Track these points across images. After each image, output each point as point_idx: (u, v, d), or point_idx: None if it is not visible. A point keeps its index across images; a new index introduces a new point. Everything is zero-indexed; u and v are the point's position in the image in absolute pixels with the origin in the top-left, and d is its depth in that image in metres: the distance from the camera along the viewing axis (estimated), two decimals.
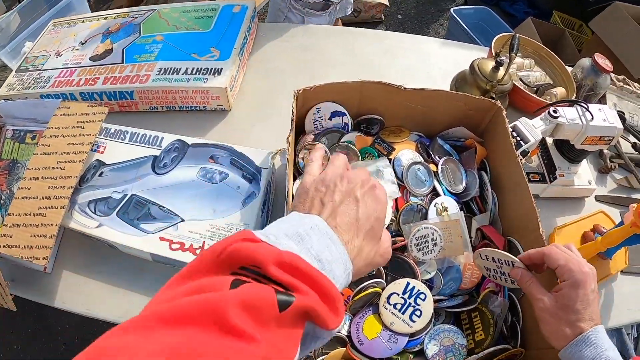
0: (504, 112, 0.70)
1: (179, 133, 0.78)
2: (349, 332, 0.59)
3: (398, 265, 0.63)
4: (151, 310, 0.28)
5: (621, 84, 1.10)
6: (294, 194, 0.47)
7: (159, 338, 0.26)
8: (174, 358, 0.25)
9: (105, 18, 1.06)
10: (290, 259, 0.33)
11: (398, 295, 0.60)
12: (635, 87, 1.12)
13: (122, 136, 0.78)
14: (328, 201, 0.41)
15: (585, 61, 1.00)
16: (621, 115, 0.87)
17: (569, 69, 1.03)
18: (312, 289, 0.32)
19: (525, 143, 0.72)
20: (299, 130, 0.73)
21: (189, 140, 0.76)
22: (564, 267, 0.50)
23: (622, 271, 0.81)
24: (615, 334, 1.35)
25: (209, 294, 0.29)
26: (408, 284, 0.60)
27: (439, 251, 0.62)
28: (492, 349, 0.58)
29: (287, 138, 0.62)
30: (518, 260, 0.55)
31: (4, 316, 1.46)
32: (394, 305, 0.59)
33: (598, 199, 0.89)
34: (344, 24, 1.17)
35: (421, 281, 0.62)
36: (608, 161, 0.93)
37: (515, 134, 0.72)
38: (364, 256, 0.41)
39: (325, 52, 1.01)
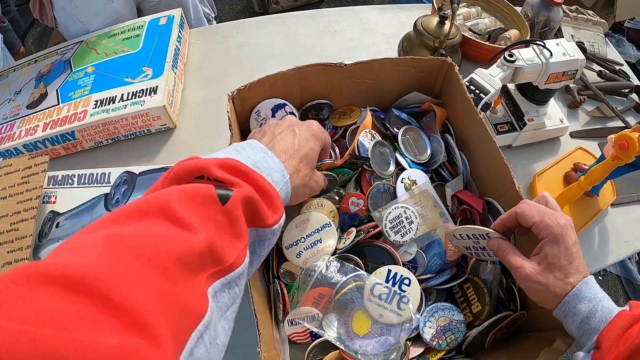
0: (457, 68, 0.66)
1: (130, 163, 0.75)
2: (339, 333, 0.55)
3: (376, 254, 0.58)
4: (106, 215, 0.32)
5: (575, 14, 1.07)
6: None
7: (109, 229, 0.30)
8: (118, 241, 0.28)
9: (35, 61, 1.00)
10: (229, 162, 0.38)
11: (381, 285, 0.55)
12: (589, 15, 1.08)
13: (70, 181, 0.75)
14: (268, 131, 0.48)
15: None
16: (581, 46, 0.84)
17: (519, 9, 0.99)
18: (250, 185, 0.37)
19: (486, 95, 0.68)
20: (245, 130, 0.68)
21: (137, 169, 0.74)
22: (539, 224, 0.47)
23: (611, 205, 0.78)
24: (619, 262, 1.34)
25: (154, 192, 0.34)
26: (389, 271, 0.56)
27: (417, 228, 0.58)
28: (492, 318, 0.55)
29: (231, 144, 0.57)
30: (491, 230, 0.51)
31: None
32: (379, 297, 0.55)
33: (573, 135, 0.86)
34: (285, 11, 1.11)
35: (403, 264, 0.58)
36: (576, 95, 0.90)
37: (473, 88, 0.68)
38: (301, 175, 0.47)
39: (262, 45, 0.96)
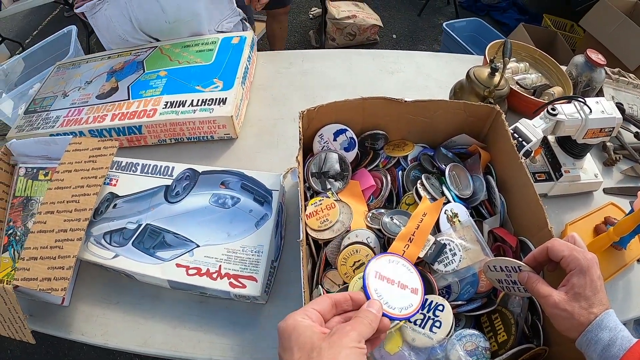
0: (503, 116, 0.72)
1: (188, 163, 0.79)
2: (371, 351, 0.59)
3: None
4: None
5: (617, 76, 1.12)
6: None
7: None
8: None
9: (109, 58, 1.10)
10: None
11: (418, 312, 0.60)
12: (631, 78, 1.13)
13: (133, 168, 0.81)
14: None
15: (579, 58, 1.02)
16: (620, 107, 0.88)
17: (564, 68, 1.05)
18: None
19: (528, 143, 0.73)
20: (307, 151, 0.75)
21: (200, 168, 0.78)
22: (568, 257, 0.51)
23: (638, 260, 0.80)
24: (635, 324, 1.32)
25: None
26: (426, 300, 0.60)
27: (460, 261, 0.62)
28: (515, 349, 0.59)
29: (297, 157, 0.63)
30: (523, 264, 0.55)
31: (24, 352, 1.47)
32: (414, 322, 0.59)
33: (606, 191, 0.90)
34: (341, 48, 1.21)
35: (438, 289, 0.62)
36: (612, 153, 0.94)
37: (516, 136, 0.74)
38: None
39: (324, 75, 1.04)
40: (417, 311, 0.54)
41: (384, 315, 0.49)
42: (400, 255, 0.56)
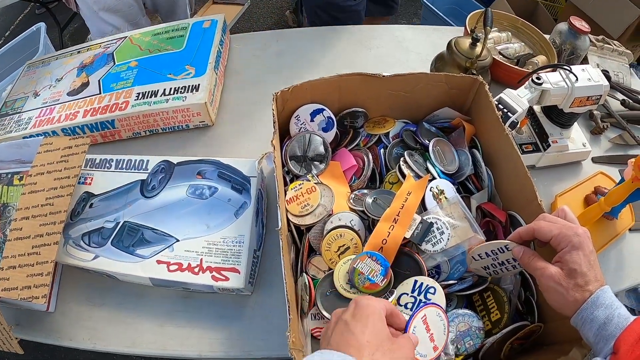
0: (487, 87, 0.69)
1: (165, 155, 0.78)
2: None
3: (402, 261, 0.61)
4: None
5: (601, 43, 1.10)
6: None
7: None
8: None
9: (78, 52, 1.06)
10: None
11: (407, 295, 0.58)
12: (615, 45, 1.11)
13: (107, 165, 0.78)
14: (359, 347, 0.43)
15: (562, 26, 0.99)
16: (606, 74, 0.86)
17: (547, 36, 1.02)
18: None
19: (513, 114, 0.71)
20: (284, 134, 0.72)
21: (175, 159, 0.76)
22: (558, 236, 0.49)
23: (630, 229, 0.79)
24: (632, 292, 1.33)
25: None
26: (415, 281, 0.58)
27: (448, 239, 0.60)
28: (510, 327, 0.57)
29: (272, 141, 0.60)
30: (510, 242, 0.53)
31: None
32: (405, 306, 0.58)
33: (595, 160, 0.88)
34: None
35: (427, 270, 0.60)
36: (599, 121, 0.92)
37: (501, 107, 0.71)
38: (383, 350, 0.44)
39: (300, 54, 1.00)
40: None
41: None
42: (446, 314, 0.56)
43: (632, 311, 1.59)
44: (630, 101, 0.99)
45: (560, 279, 0.47)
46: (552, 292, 0.48)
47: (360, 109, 0.70)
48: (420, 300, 0.57)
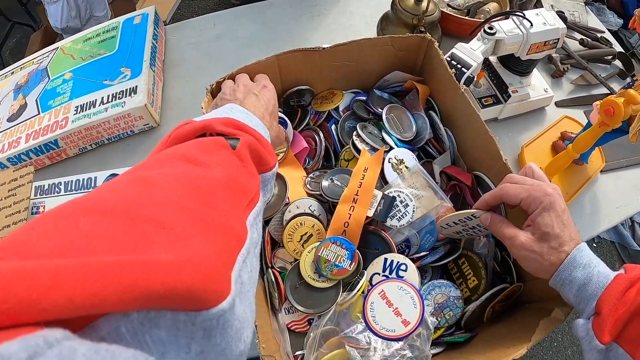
0: (436, 44, 0.65)
1: (116, 165, 0.74)
2: (337, 324, 0.55)
3: (369, 240, 0.58)
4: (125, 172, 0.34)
5: None
6: None
7: (137, 174, 0.32)
8: (149, 178, 0.31)
9: (12, 73, 0.98)
10: (228, 120, 0.41)
11: (379, 274, 0.55)
12: None
13: (56, 189, 0.74)
14: (234, 98, 0.53)
15: None
16: (561, 15, 0.83)
17: None
18: (250, 135, 0.41)
19: (468, 69, 0.67)
20: None
21: (121, 171, 0.71)
22: (527, 199, 0.46)
23: (601, 171, 0.78)
24: (612, 229, 1.34)
25: (168, 149, 0.37)
26: (385, 260, 0.56)
27: (413, 211, 0.57)
28: (489, 292, 0.55)
29: None
30: (477, 210, 0.51)
31: None
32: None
33: (558, 104, 0.86)
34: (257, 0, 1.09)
35: (396, 245, 0.57)
36: (559, 64, 0.89)
37: (454, 63, 0.68)
38: (275, 128, 0.54)
39: (240, 36, 0.94)
40: (394, 339, 0.51)
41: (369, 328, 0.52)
42: (416, 289, 0.53)
43: (613, 244, 1.63)
44: (589, 40, 0.96)
45: (532, 246, 0.45)
46: (526, 259, 0.46)
47: (304, 87, 0.65)
48: (393, 278, 0.55)
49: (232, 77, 0.60)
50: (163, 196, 0.29)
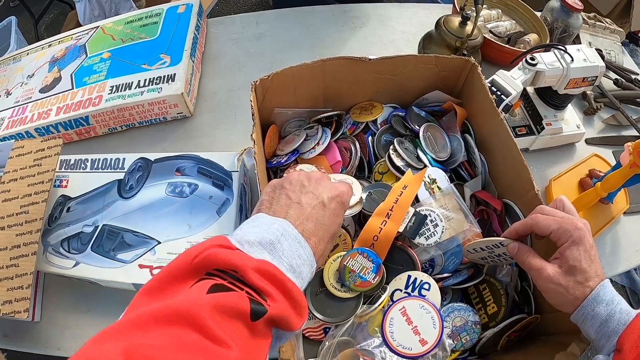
0: (479, 68, 0.66)
1: (143, 150, 0.73)
2: (353, 335, 0.55)
3: (395, 255, 0.58)
4: (127, 317, 0.30)
5: (593, 21, 1.07)
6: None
7: (130, 339, 0.28)
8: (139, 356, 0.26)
9: (50, 46, 0.99)
10: (266, 268, 0.35)
11: (401, 291, 0.55)
12: (607, 23, 1.08)
13: (82, 165, 0.74)
14: (296, 202, 0.43)
15: (554, 2, 0.95)
16: (599, 54, 0.83)
17: (538, 14, 0.99)
18: (284, 297, 0.35)
19: (507, 97, 0.68)
20: (266, 123, 0.68)
21: (152, 156, 0.72)
22: (557, 231, 0.47)
23: (624, 213, 0.78)
24: (624, 273, 1.33)
25: (182, 298, 0.32)
26: (409, 277, 0.56)
27: (442, 232, 0.57)
28: (508, 320, 0.55)
29: (251, 135, 0.56)
30: (505, 239, 0.51)
31: None
32: None
33: (589, 142, 0.86)
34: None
35: (421, 263, 0.57)
36: (593, 102, 0.90)
37: (494, 89, 0.68)
38: (325, 254, 0.45)
39: (281, 37, 0.95)
40: (410, 357, 0.50)
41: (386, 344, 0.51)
42: (437, 309, 0.53)
43: (623, 288, 1.62)
44: (623, 80, 0.97)
45: (559, 279, 0.45)
46: (551, 292, 0.46)
47: (337, 112, 0.67)
48: (415, 296, 0.55)
49: (276, 76, 0.60)
50: None
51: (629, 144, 0.64)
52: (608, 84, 0.96)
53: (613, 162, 0.82)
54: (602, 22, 1.07)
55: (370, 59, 0.63)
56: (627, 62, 1.05)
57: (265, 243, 0.37)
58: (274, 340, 0.37)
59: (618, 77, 0.98)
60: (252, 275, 0.34)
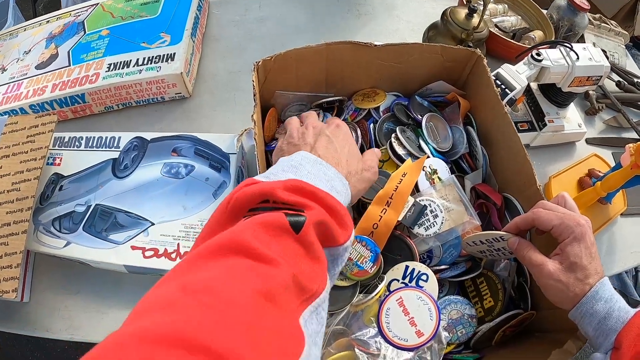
0: (485, 61, 0.65)
1: (140, 130, 0.72)
2: (348, 325, 0.54)
3: (393, 244, 0.57)
4: (177, 265, 0.31)
5: (598, 22, 1.06)
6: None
7: (186, 277, 0.29)
8: (200, 289, 0.27)
9: (47, 22, 0.97)
10: (294, 184, 0.36)
11: (398, 281, 0.54)
12: (612, 25, 1.08)
13: (77, 143, 0.72)
14: (303, 144, 0.47)
15: (561, 1, 0.95)
16: (604, 54, 0.83)
17: (544, 11, 0.98)
18: (320, 205, 0.36)
19: (511, 91, 0.67)
20: (266, 106, 0.66)
21: (148, 135, 0.70)
22: (559, 226, 0.46)
23: (621, 214, 0.78)
24: (615, 275, 1.34)
25: (226, 231, 0.32)
26: (407, 267, 0.55)
27: (442, 223, 0.57)
28: (504, 315, 0.54)
29: (252, 116, 0.55)
30: (505, 233, 0.51)
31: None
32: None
33: (589, 141, 0.86)
34: None
35: (419, 254, 0.57)
36: (595, 102, 0.89)
37: (499, 82, 0.67)
38: (354, 172, 0.47)
39: (284, 21, 0.93)
40: (406, 349, 0.50)
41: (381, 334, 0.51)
42: (434, 301, 0.52)
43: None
44: (626, 83, 0.97)
45: (559, 275, 0.45)
46: (551, 288, 0.46)
47: (339, 98, 0.66)
48: (412, 287, 0.54)
49: (279, 58, 0.59)
50: (217, 314, 0.26)
51: (631, 145, 0.64)
52: (610, 86, 0.96)
53: (612, 163, 0.82)
54: (608, 24, 1.07)
55: (375, 45, 0.61)
56: (630, 66, 1.05)
57: (285, 167, 0.40)
58: (330, 264, 0.37)
59: (621, 80, 0.97)
60: (281, 193, 0.34)
